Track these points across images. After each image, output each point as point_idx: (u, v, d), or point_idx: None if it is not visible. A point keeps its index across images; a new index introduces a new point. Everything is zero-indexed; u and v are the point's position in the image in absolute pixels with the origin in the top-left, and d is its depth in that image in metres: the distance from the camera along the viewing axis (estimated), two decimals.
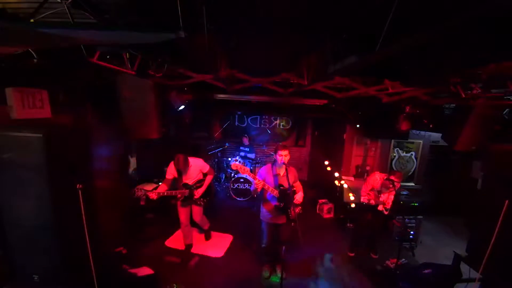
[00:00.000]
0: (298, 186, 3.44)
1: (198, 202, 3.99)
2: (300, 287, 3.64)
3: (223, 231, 4.93)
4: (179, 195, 3.81)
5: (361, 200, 4.02)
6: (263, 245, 3.68)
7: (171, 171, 3.81)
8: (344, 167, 5.94)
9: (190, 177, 3.89)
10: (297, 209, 3.33)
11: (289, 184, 3.15)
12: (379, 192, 3.99)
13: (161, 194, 3.57)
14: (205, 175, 4.02)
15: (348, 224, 5.39)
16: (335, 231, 5.31)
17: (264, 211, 3.46)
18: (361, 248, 4.46)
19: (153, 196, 3.47)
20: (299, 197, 3.37)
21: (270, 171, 3.33)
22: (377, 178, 4.05)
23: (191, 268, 3.81)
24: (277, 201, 3.26)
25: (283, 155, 3.17)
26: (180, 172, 3.81)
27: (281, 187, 3.24)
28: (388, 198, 4.05)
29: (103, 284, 2.65)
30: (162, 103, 3.55)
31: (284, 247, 3.06)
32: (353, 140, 5.76)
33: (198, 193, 3.90)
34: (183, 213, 4.03)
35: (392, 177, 3.81)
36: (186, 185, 3.86)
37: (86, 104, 3.54)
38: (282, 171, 3.28)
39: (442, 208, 6.12)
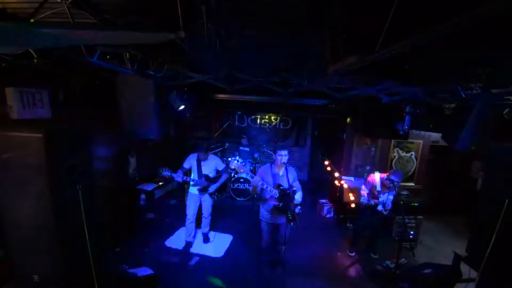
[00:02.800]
0: (297, 185, 3.44)
1: (213, 196, 4.21)
2: (300, 287, 3.63)
3: (223, 231, 4.93)
4: (197, 183, 4.01)
5: (361, 200, 4.02)
6: (263, 245, 3.68)
7: (190, 161, 4.06)
8: (344, 167, 5.94)
9: (209, 170, 4.11)
10: (297, 209, 3.33)
11: (288, 183, 3.15)
12: (379, 192, 3.99)
13: (186, 178, 3.85)
14: (219, 173, 4.25)
15: (348, 224, 5.39)
16: (335, 231, 5.31)
17: (264, 211, 3.46)
18: (361, 248, 4.46)
19: (178, 178, 3.77)
20: (298, 196, 3.37)
21: (269, 171, 3.34)
22: (376, 177, 4.05)
23: (191, 268, 3.81)
24: (276, 201, 3.27)
25: (282, 155, 3.18)
26: (200, 163, 4.03)
27: (281, 187, 3.25)
28: (387, 198, 4.06)
29: (103, 284, 2.65)
30: (162, 103, 3.56)
31: (283, 247, 3.05)
32: (353, 140, 5.76)
33: (215, 186, 4.14)
34: (192, 208, 4.19)
35: (392, 177, 3.81)
36: (207, 176, 4.08)
37: (86, 104, 3.55)
38: (281, 171, 3.29)
39: (442, 208, 6.12)
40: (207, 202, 4.24)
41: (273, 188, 3.20)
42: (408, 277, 3.50)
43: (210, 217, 4.42)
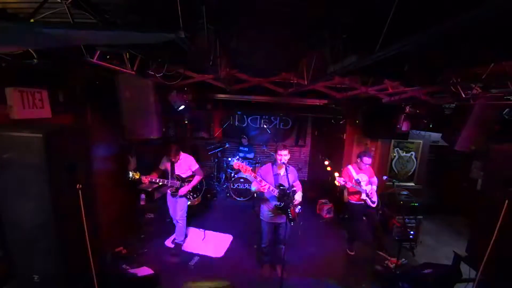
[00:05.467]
0: (297, 185, 3.45)
1: (187, 196, 4.10)
2: (300, 287, 3.63)
3: (223, 231, 4.93)
4: (169, 184, 3.95)
5: (338, 184, 3.94)
6: (263, 245, 3.68)
7: (164, 163, 4.01)
8: (344, 167, 5.94)
9: (181, 171, 4.03)
10: (297, 208, 3.34)
11: (289, 183, 3.16)
12: (358, 181, 4.06)
13: (153, 180, 3.79)
14: (193, 173, 4.13)
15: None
16: (335, 231, 5.31)
17: (264, 211, 3.47)
18: (360, 245, 4.46)
19: (145, 180, 3.72)
20: (298, 196, 3.38)
21: (270, 171, 3.36)
22: (350, 169, 4.18)
23: (191, 268, 3.81)
24: (277, 201, 3.27)
25: (282, 155, 3.19)
26: (173, 164, 3.97)
27: (281, 187, 3.26)
28: (371, 188, 4.13)
29: (103, 284, 2.65)
30: (162, 103, 3.56)
31: (283, 247, 3.06)
32: (353, 140, 5.76)
33: (185, 189, 3.99)
34: (171, 209, 4.17)
35: (363, 157, 4.01)
36: (178, 177, 4.00)
37: (86, 104, 3.55)
38: (282, 171, 3.30)
39: (442, 208, 6.12)
40: (180, 203, 4.05)
41: (274, 188, 3.22)
42: (408, 277, 3.49)
43: (183, 222, 4.12)
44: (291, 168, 3.37)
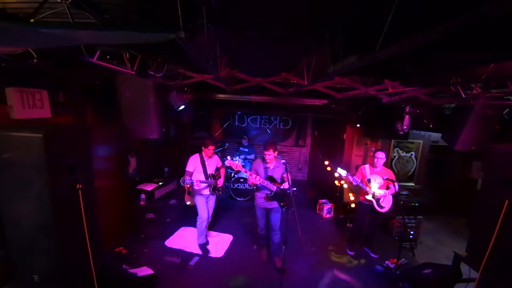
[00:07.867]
0: (286, 176, 3.64)
1: (219, 193, 4.26)
2: (300, 287, 3.63)
3: (223, 231, 4.93)
4: (208, 183, 4.03)
5: (351, 181, 4.03)
6: (258, 229, 4.03)
7: (193, 164, 4.00)
8: (344, 167, 5.94)
9: (211, 169, 4.12)
10: (289, 190, 3.57)
11: (280, 175, 3.66)
12: (369, 181, 4.05)
13: (202, 183, 3.90)
14: (217, 169, 4.25)
15: (348, 224, 5.39)
16: (334, 231, 5.31)
17: (257, 198, 3.83)
18: (359, 246, 4.46)
19: (198, 185, 3.83)
20: (286, 186, 3.68)
21: (260, 164, 3.73)
22: (366, 167, 4.17)
23: (191, 268, 3.81)
24: (268, 192, 3.63)
25: (267, 155, 3.58)
26: (205, 163, 4.02)
27: (278, 188, 3.56)
28: (386, 195, 4.06)
29: (103, 284, 2.65)
30: (162, 103, 3.56)
31: (284, 246, 3.11)
32: (353, 140, 5.76)
33: (220, 182, 4.21)
34: (204, 209, 4.14)
35: (378, 154, 4.02)
36: (212, 176, 4.09)
37: (86, 104, 3.54)
38: (271, 164, 3.72)
39: (442, 208, 6.13)
40: (212, 201, 4.28)
41: (264, 179, 3.55)
42: (408, 277, 3.50)
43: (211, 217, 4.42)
44: (280, 162, 3.69)
